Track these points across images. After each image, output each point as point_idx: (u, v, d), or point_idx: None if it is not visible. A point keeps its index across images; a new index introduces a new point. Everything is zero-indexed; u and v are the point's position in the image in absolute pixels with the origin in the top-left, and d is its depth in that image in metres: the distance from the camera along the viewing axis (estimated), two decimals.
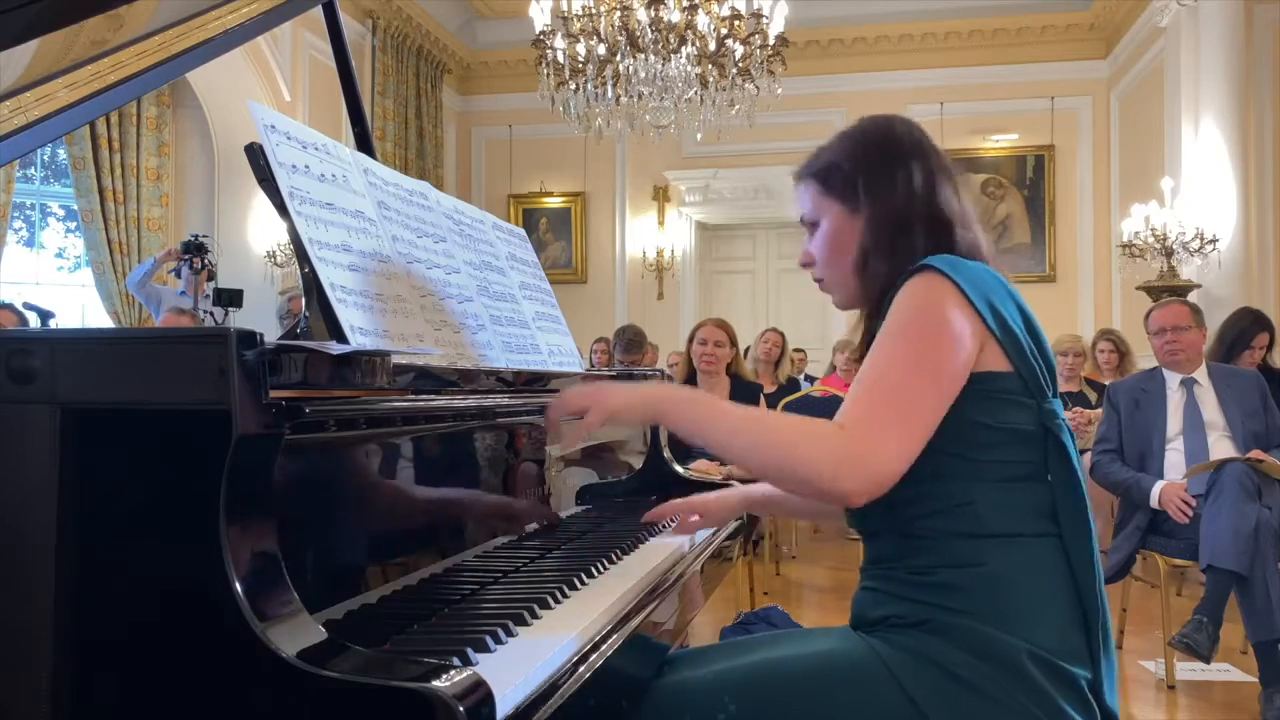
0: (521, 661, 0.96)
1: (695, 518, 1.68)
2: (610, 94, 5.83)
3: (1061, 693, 1.17)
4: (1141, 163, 8.18)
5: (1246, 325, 4.27)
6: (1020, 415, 1.24)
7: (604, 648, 1.08)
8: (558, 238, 10.15)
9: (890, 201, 1.32)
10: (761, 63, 5.90)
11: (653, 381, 1.39)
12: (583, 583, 1.31)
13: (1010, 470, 1.24)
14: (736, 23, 5.73)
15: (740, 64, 5.80)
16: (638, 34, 5.57)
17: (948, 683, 1.17)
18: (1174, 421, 3.47)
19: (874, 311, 1.33)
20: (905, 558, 1.26)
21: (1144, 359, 5.27)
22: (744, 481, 1.81)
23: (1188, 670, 3.29)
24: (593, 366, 6.44)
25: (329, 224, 1.23)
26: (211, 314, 5.60)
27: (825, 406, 4.20)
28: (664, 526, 1.72)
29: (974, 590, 1.20)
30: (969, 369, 1.21)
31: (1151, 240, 6.88)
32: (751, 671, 1.26)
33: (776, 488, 1.48)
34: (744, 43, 5.79)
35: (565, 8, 5.73)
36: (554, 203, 10.17)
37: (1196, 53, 6.83)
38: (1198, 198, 6.76)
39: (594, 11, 5.70)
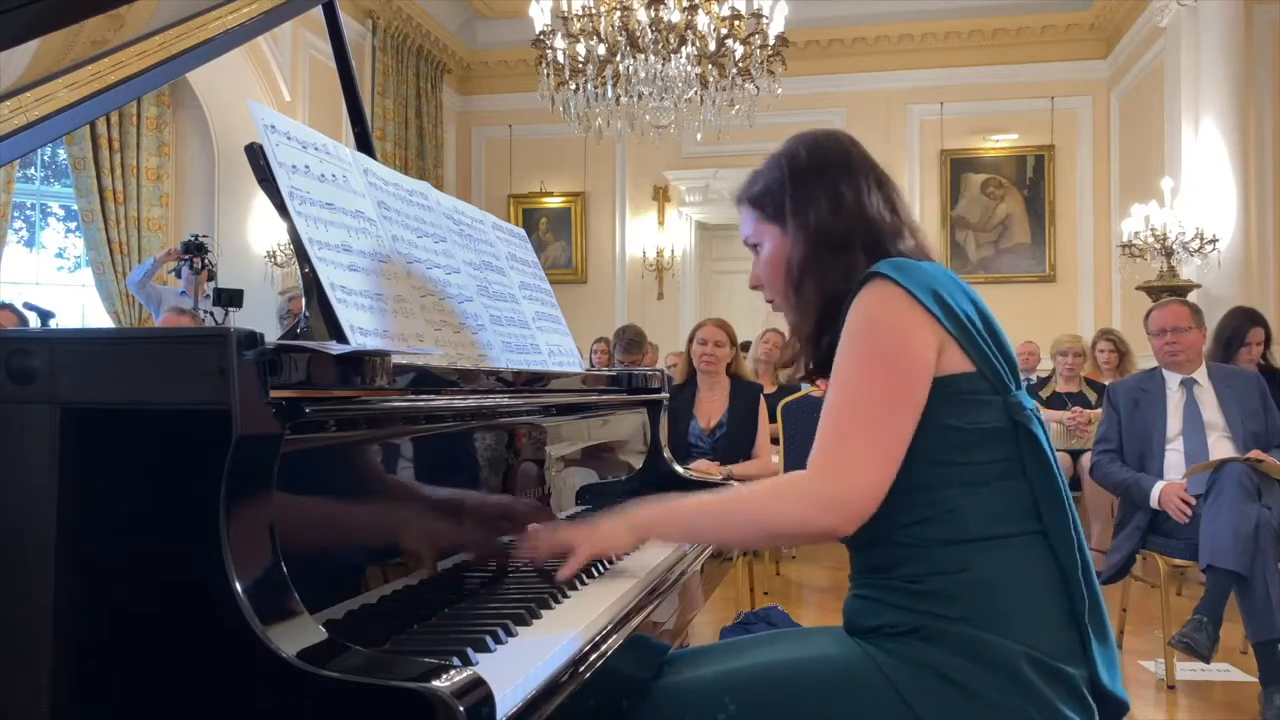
0: (522, 661, 0.96)
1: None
2: (610, 94, 5.82)
3: (1059, 695, 1.17)
4: (1141, 163, 8.17)
5: (1240, 323, 4.29)
6: (989, 414, 1.24)
7: (604, 648, 1.08)
8: (558, 238, 10.15)
9: (814, 220, 1.33)
10: (761, 63, 5.90)
11: (623, 507, 1.41)
12: (583, 583, 1.31)
13: (987, 471, 1.24)
14: (736, 23, 5.72)
15: (740, 64, 5.79)
16: (638, 34, 5.56)
17: (944, 687, 1.17)
18: (1174, 422, 3.47)
19: (821, 325, 1.33)
20: (894, 567, 1.26)
21: (1144, 359, 5.27)
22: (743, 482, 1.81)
23: (1188, 670, 3.29)
24: (593, 366, 6.44)
25: (329, 224, 1.23)
26: (211, 314, 5.60)
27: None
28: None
29: (965, 596, 1.20)
30: (931, 375, 1.21)
31: (1151, 240, 6.88)
32: (752, 672, 1.26)
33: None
34: (744, 43, 5.78)
35: (565, 8, 5.73)
36: (554, 203, 10.17)
37: (1196, 53, 6.83)
38: (1198, 198, 6.75)
39: (594, 11, 5.70)
